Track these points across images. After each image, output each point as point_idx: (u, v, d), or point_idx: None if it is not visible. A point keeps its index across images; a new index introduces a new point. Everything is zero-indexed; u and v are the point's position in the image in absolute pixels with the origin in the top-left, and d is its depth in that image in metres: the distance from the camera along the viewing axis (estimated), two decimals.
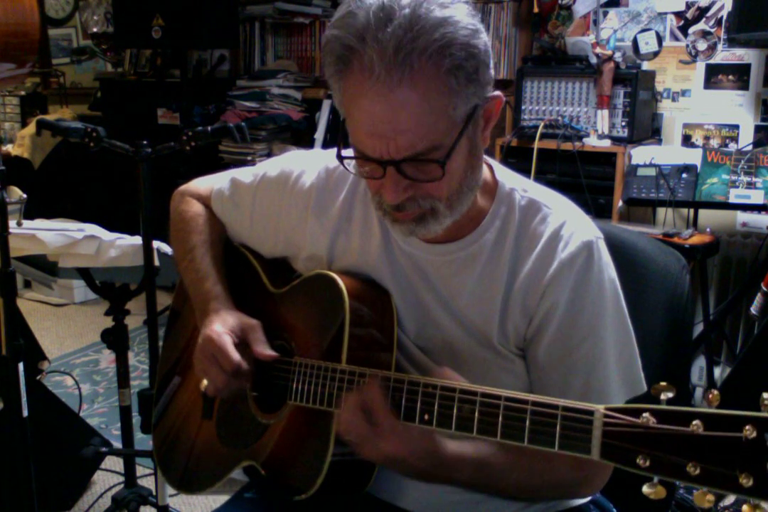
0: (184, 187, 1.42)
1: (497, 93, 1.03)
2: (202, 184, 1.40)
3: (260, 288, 1.28)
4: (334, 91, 1.01)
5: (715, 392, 0.78)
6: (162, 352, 1.46)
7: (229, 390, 1.17)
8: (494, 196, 1.13)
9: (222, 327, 1.18)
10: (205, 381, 1.20)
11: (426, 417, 0.97)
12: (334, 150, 1.27)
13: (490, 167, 1.15)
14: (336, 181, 1.22)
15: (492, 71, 1.00)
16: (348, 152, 1.04)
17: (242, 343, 1.17)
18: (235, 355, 1.14)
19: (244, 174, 1.32)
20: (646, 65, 3.25)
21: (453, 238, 1.12)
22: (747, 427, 0.74)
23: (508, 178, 1.16)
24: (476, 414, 0.93)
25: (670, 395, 0.81)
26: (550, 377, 1.10)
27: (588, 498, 1.23)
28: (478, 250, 1.12)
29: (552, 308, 1.08)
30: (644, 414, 0.80)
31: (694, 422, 0.77)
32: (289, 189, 1.24)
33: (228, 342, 1.15)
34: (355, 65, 0.95)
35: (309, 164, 1.25)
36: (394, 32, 0.91)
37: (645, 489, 0.81)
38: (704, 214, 2.92)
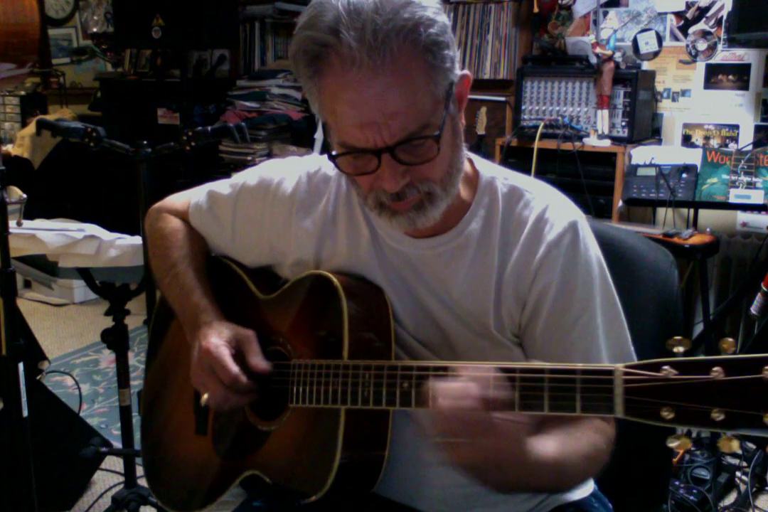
0: (159, 204, 1.40)
1: (465, 71, 1.05)
2: (178, 199, 1.38)
3: (249, 296, 1.27)
4: (311, 95, 1.02)
5: (730, 339, 0.81)
6: (145, 372, 1.42)
7: (229, 403, 1.15)
8: (476, 186, 1.15)
9: (218, 338, 1.16)
10: (205, 396, 1.16)
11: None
12: (313, 155, 1.28)
13: (469, 159, 1.17)
14: (317, 185, 1.22)
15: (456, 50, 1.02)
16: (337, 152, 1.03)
17: (239, 354, 1.16)
18: (234, 368, 1.12)
19: (221, 186, 1.31)
20: (646, 65, 3.25)
21: (439, 230, 1.13)
22: (766, 368, 0.76)
23: (487, 168, 1.18)
24: (491, 389, 0.92)
25: (682, 349, 0.83)
26: (550, 358, 1.09)
27: (589, 492, 1.24)
28: (465, 240, 1.13)
29: (544, 290, 1.10)
30: (664, 367, 0.82)
31: (715, 369, 0.79)
32: (271, 196, 1.24)
33: (226, 354, 1.14)
34: (333, 59, 0.95)
35: (288, 171, 1.25)
36: (367, 18, 0.93)
37: (670, 442, 0.83)
38: (704, 214, 2.92)
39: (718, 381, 0.79)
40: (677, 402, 0.81)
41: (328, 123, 1.02)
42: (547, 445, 0.99)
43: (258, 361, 1.15)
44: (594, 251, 1.13)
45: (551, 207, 1.13)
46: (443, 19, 0.98)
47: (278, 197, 1.23)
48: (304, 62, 0.98)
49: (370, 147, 0.98)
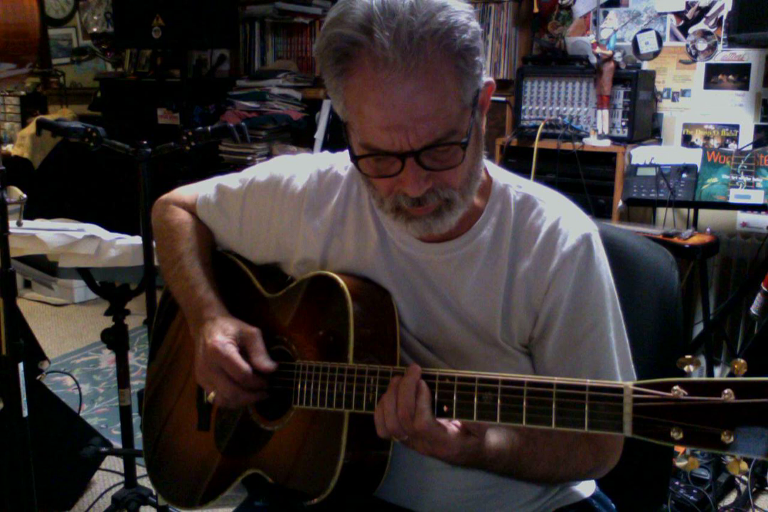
0: (166, 196, 1.39)
1: (490, 79, 1.04)
2: (186, 192, 1.37)
3: (254, 294, 1.26)
4: (336, 95, 0.99)
5: (741, 361, 0.80)
6: (148, 365, 1.42)
7: (238, 401, 1.15)
8: (489, 193, 1.14)
9: (224, 336, 1.15)
10: (212, 394, 1.16)
11: (445, 408, 0.97)
12: (324, 154, 1.27)
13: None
14: (328, 185, 1.21)
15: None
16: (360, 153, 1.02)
17: (243, 352, 1.15)
18: (245, 365, 1.12)
19: (230, 180, 1.30)
20: (646, 65, 3.25)
21: (450, 236, 1.12)
22: None
23: (501, 175, 1.17)
24: (498, 401, 0.93)
25: (693, 368, 0.83)
26: (559, 370, 1.09)
27: (590, 493, 1.24)
28: (476, 247, 1.12)
29: (557, 303, 1.09)
30: (674, 387, 0.82)
31: (725, 391, 0.79)
32: (281, 193, 1.23)
33: (234, 352, 1.13)
34: (364, 59, 0.93)
35: (299, 168, 1.24)
36: (403, 19, 0.91)
37: (678, 462, 0.83)
38: (704, 214, 2.92)
39: (728, 403, 0.78)
40: (687, 423, 0.80)
41: (350, 123, 1.01)
42: (504, 439, 1.04)
43: (262, 360, 1.14)
44: (605, 265, 1.13)
45: (564, 218, 1.12)
46: (475, 25, 0.97)
47: (288, 195, 1.22)
48: (332, 60, 0.96)
49: (395, 150, 0.97)
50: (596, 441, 1.10)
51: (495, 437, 1.04)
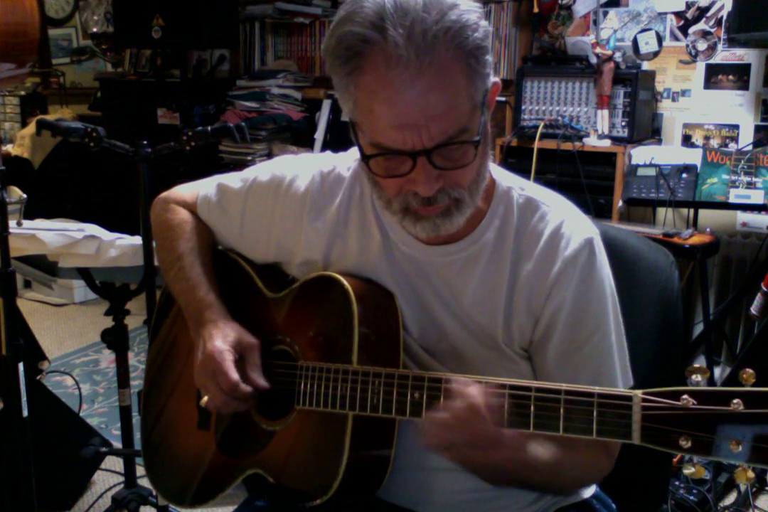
0: (165, 194, 1.37)
1: (496, 79, 1.04)
2: (186, 190, 1.36)
3: (256, 294, 1.25)
4: (345, 94, 0.98)
5: (750, 371, 0.81)
6: (147, 366, 1.40)
7: (228, 408, 1.15)
8: (492, 195, 1.14)
9: (223, 343, 1.15)
10: (205, 398, 1.16)
11: None
12: (327, 154, 1.26)
13: None
14: (331, 185, 1.20)
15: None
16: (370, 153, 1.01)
17: (242, 360, 1.15)
18: (234, 375, 1.11)
19: (231, 179, 1.29)
20: (646, 65, 3.25)
21: (453, 238, 1.12)
22: None
23: (504, 177, 1.16)
24: (506, 406, 0.93)
25: (700, 377, 0.83)
26: (559, 374, 1.09)
27: (590, 493, 1.24)
28: (478, 250, 1.12)
29: (558, 307, 1.09)
30: (683, 396, 0.82)
31: (735, 401, 0.79)
32: (283, 193, 1.22)
33: (228, 360, 1.12)
34: (377, 57, 0.93)
35: (301, 169, 1.23)
36: (417, 16, 0.91)
37: (685, 470, 0.84)
38: (704, 214, 2.92)
39: (737, 413, 0.79)
40: (695, 432, 0.81)
41: (359, 122, 1.00)
42: (545, 446, 1.00)
43: (256, 377, 1.14)
44: (607, 269, 1.12)
45: (567, 221, 1.11)
46: (485, 24, 0.96)
47: (290, 195, 1.21)
48: (342, 58, 0.95)
49: (407, 149, 0.96)
50: (607, 446, 1.09)
51: (532, 445, 1.01)
